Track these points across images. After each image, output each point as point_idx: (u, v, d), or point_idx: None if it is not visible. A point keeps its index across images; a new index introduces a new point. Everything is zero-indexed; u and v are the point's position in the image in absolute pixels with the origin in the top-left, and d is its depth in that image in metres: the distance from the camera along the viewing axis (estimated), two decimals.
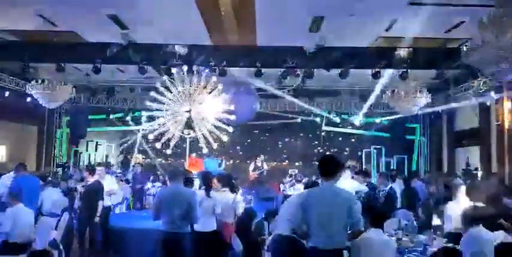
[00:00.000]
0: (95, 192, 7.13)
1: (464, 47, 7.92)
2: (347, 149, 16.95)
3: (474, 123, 12.72)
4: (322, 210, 3.84)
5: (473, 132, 12.88)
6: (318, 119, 15.75)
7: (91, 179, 7.32)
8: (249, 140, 17.20)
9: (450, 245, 4.63)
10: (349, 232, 3.93)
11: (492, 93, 10.78)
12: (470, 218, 4.18)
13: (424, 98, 11.86)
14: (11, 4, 8.11)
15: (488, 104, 11.33)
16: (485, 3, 7.44)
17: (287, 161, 17.17)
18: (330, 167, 4.02)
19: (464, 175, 10.54)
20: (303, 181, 10.34)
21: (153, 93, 10.71)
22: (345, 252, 3.85)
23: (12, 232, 5.82)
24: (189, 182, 6.16)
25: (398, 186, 8.65)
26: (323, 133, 16.61)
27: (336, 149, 16.97)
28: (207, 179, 6.20)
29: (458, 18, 8.48)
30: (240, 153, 17.04)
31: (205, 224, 5.62)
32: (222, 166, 13.43)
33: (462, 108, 12.95)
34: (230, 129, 10.59)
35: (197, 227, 5.58)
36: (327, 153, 15.78)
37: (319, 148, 17.25)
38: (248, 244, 5.51)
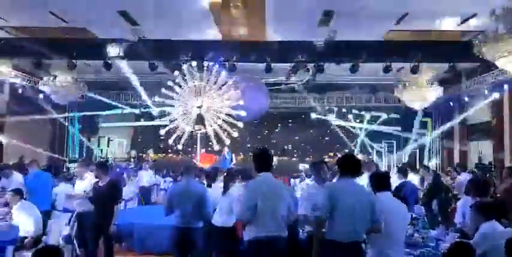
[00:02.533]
0: (110, 194, 5.86)
1: (477, 40, 7.80)
2: (358, 143, 16.85)
3: (486, 116, 12.58)
4: (347, 204, 3.87)
5: (485, 125, 12.74)
6: (328, 114, 15.70)
7: (105, 179, 6.01)
8: (258, 135, 17.18)
9: (463, 240, 4.59)
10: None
11: (505, 86, 10.65)
12: (484, 213, 4.14)
13: (435, 92, 11.76)
14: (23, 2, 8.18)
15: (500, 97, 11.21)
16: None
17: (297, 155, 17.13)
18: (356, 167, 4.09)
19: (478, 169, 10.43)
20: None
21: (164, 90, 10.79)
22: (364, 245, 3.90)
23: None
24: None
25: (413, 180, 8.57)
26: (333, 127, 16.53)
27: (346, 144, 16.88)
28: (231, 176, 6.12)
29: (470, 10, 8.37)
30: (250, 148, 17.01)
31: (226, 219, 5.63)
32: (233, 161, 13.48)
33: (474, 102, 12.80)
34: (240, 124, 10.63)
35: (216, 221, 5.64)
36: (346, 151, 15.73)
37: (329, 143, 17.15)
38: None
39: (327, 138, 17.20)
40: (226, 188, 5.86)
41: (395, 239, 4.00)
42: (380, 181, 4.25)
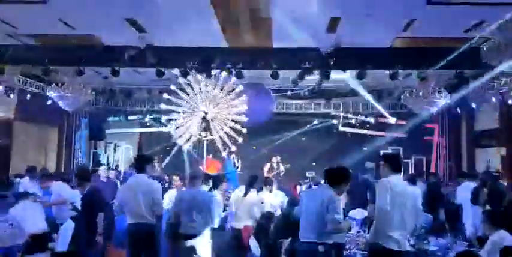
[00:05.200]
0: (89, 203, 5.94)
1: (484, 47, 7.77)
2: (364, 150, 16.77)
3: (494, 123, 12.50)
4: (307, 207, 4.39)
5: (493, 132, 12.66)
6: (334, 120, 15.70)
7: (86, 187, 6.12)
8: (264, 141, 17.13)
9: (472, 249, 4.56)
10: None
11: None
12: (493, 222, 4.10)
13: (442, 99, 11.71)
14: (32, 10, 8.27)
15: (509, 103, 11.14)
16: (506, 2, 7.33)
17: (304, 162, 17.04)
18: (333, 178, 4.51)
19: (485, 177, 10.31)
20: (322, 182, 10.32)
21: (170, 96, 10.83)
22: (320, 246, 4.19)
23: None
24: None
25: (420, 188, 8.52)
26: (340, 134, 16.49)
27: (352, 151, 16.80)
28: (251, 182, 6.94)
29: (477, 17, 8.34)
30: (256, 154, 16.95)
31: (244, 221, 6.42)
32: (239, 167, 13.47)
33: (482, 109, 12.73)
34: (244, 130, 10.64)
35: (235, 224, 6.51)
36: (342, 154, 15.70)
37: (336, 149, 17.04)
38: (266, 247, 5.52)
39: (333, 144, 17.11)
40: (246, 193, 6.64)
41: (399, 222, 4.08)
42: (395, 163, 4.50)
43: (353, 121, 15.52)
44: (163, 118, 12.60)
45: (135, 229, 5.16)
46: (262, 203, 6.69)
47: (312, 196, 4.49)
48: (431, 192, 9.19)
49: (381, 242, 4.05)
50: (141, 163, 5.47)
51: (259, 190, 7.04)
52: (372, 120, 15.31)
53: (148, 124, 16.21)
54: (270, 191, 7.55)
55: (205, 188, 7.06)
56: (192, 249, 5.26)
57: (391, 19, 8.54)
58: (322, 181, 5.34)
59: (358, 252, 4.72)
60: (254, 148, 16.62)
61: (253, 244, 5.54)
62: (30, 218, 6.10)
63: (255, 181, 6.82)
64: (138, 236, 5.15)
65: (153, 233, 5.18)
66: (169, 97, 10.79)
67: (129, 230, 5.24)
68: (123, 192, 5.37)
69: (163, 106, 11.07)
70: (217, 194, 7.03)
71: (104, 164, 9.82)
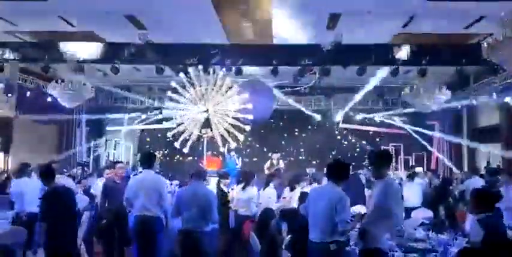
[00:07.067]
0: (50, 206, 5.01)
1: (485, 43, 7.74)
2: (365, 146, 16.79)
3: (495, 120, 12.49)
4: (316, 206, 4.31)
5: (494, 129, 12.65)
6: (335, 117, 15.69)
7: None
8: (265, 138, 17.14)
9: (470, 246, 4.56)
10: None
11: None
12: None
13: (443, 95, 11.69)
14: (32, 7, 8.26)
15: (509, 100, 11.11)
16: None
17: (304, 159, 17.05)
18: (337, 172, 4.48)
19: (487, 173, 10.30)
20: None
21: (170, 93, 10.83)
22: (332, 245, 4.18)
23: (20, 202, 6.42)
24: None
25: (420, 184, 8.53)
26: (341, 131, 16.50)
27: (353, 147, 16.83)
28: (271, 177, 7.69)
29: (478, 13, 8.33)
30: (256, 150, 16.96)
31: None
32: (239, 164, 13.46)
33: (483, 105, 12.71)
34: (247, 128, 10.64)
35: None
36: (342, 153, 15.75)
37: (336, 146, 17.06)
38: (266, 243, 5.53)
39: (334, 141, 17.12)
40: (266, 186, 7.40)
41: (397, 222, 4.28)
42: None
43: (355, 117, 15.50)
44: (163, 112, 12.58)
45: (141, 221, 5.46)
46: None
47: (320, 195, 4.44)
48: (442, 187, 9.18)
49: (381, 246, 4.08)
50: (149, 160, 5.91)
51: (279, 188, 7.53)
52: (373, 116, 15.29)
53: (148, 121, 16.20)
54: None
55: (239, 186, 7.25)
56: (194, 244, 5.26)
57: (391, 15, 8.52)
58: (325, 179, 5.31)
59: (356, 248, 4.70)
60: (257, 145, 16.65)
61: (254, 239, 5.55)
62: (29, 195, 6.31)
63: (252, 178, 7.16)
64: (143, 227, 5.44)
65: (157, 226, 5.46)
66: (171, 94, 10.80)
67: (135, 222, 5.54)
68: (132, 187, 5.68)
69: (166, 103, 11.05)
70: (250, 190, 7.21)
71: (121, 162, 8.61)
